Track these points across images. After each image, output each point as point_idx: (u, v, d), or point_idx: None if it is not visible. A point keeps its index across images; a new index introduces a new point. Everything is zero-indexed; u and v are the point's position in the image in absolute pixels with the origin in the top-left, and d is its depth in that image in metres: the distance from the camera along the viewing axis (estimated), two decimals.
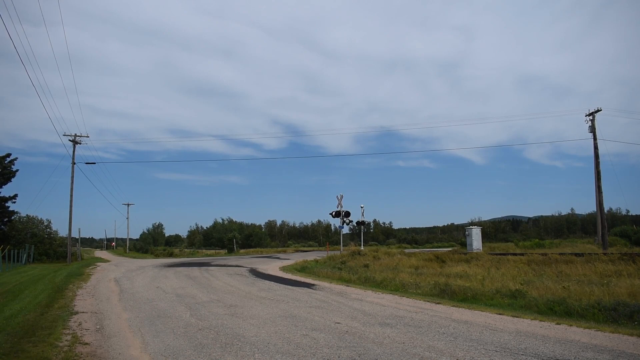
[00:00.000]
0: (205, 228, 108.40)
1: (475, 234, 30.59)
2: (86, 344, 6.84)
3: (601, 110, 31.09)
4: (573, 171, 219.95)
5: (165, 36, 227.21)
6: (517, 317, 8.82)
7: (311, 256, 36.05)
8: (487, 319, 8.58)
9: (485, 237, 56.91)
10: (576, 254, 20.32)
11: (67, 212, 37.32)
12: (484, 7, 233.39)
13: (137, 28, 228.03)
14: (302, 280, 17.01)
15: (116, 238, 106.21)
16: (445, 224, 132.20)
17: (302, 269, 22.61)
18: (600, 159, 30.56)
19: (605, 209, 33.67)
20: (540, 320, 8.38)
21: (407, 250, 37.16)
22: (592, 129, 30.97)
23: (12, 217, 39.58)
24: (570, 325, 7.86)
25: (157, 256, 50.51)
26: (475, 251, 27.53)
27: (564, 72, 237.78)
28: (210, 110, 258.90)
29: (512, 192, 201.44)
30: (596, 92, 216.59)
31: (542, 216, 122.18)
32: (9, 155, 37.80)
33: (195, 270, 22.34)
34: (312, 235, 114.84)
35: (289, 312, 9.47)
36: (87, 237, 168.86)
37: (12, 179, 37.75)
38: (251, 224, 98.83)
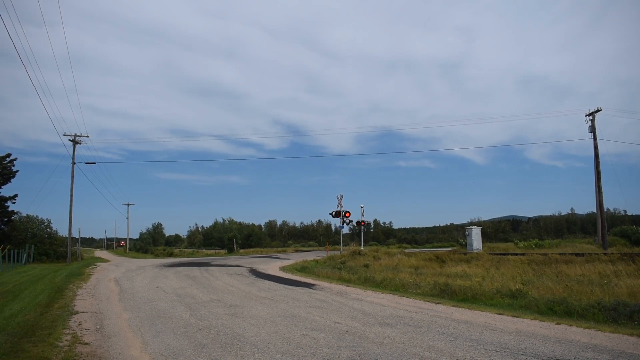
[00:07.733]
0: (205, 228, 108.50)
1: (475, 234, 30.59)
2: (86, 344, 6.84)
3: (601, 110, 31.10)
4: (573, 171, 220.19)
5: (167, 37, 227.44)
6: (517, 317, 8.82)
7: (311, 256, 36.05)
8: (487, 319, 8.58)
9: (485, 237, 56.90)
10: (576, 254, 20.33)
11: (67, 212, 37.34)
12: (485, 8, 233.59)
13: (139, 28, 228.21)
14: (302, 280, 17.01)
15: (116, 238, 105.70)
16: (445, 224, 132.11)
17: (302, 269, 22.61)
18: (600, 159, 30.60)
19: (605, 209, 33.65)
20: (540, 320, 8.39)
21: (407, 250, 37.16)
22: (592, 129, 30.98)
23: (12, 217, 39.52)
24: (570, 325, 7.87)
25: (157, 256, 50.52)
26: (475, 251, 27.53)
27: (564, 72, 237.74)
28: (212, 110, 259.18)
29: (512, 192, 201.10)
30: (596, 93, 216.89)
31: (542, 216, 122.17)
32: (9, 155, 37.71)
33: (195, 270, 22.34)
34: (312, 235, 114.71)
35: (289, 312, 9.48)
36: (87, 237, 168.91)
37: (12, 179, 37.66)
38: (251, 223, 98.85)
